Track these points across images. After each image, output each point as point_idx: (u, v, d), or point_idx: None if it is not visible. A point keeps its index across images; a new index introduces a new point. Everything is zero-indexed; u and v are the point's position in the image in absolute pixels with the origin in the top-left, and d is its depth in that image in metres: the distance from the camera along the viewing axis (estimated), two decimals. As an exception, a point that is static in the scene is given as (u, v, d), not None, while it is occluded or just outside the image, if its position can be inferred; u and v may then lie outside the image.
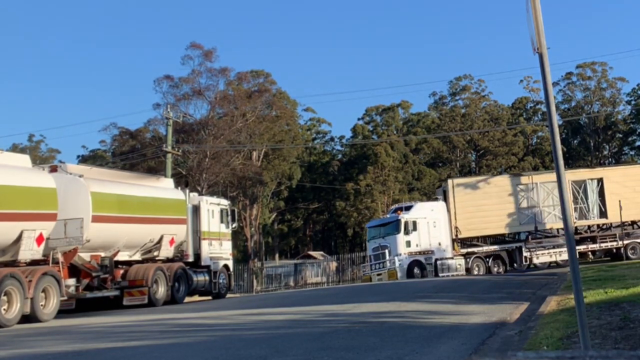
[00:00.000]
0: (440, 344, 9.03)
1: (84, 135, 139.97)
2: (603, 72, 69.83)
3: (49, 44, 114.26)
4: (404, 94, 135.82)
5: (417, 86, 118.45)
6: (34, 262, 18.24)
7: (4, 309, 16.63)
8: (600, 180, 40.00)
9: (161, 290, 23.02)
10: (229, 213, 28.87)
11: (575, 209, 39.05)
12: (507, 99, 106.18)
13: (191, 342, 10.92)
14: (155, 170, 43.52)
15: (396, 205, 40.07)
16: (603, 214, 39.64)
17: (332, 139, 77.37)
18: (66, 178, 20.12)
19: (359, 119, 75.81)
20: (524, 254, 38.35)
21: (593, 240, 39.68)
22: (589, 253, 39.90)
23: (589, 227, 40.21)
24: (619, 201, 44.89)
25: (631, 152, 73.84)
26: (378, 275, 35.94)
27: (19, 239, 17.52)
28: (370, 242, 37.38)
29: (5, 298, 16.69)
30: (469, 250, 37.71)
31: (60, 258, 19.13)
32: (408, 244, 35.93)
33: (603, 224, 40.26)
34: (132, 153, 48.11)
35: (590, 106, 70.62)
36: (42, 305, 17.77)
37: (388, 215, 38.17)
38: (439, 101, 74.23)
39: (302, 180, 65.29)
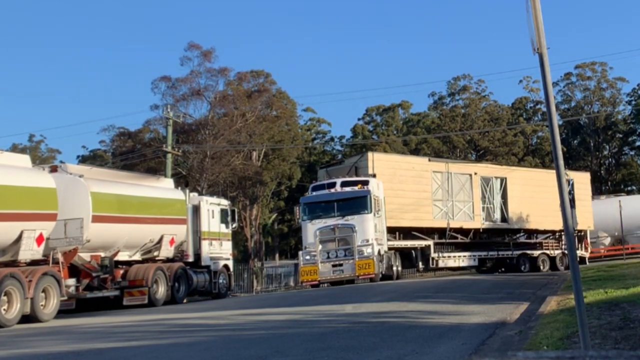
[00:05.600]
0: (440, 344, 9.03)
1: (84, 135, 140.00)
2: (603, 72, 69.79)
3: (49, 45, 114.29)
4: (404, 94, 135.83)
5: (417, 86, 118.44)
6: (34, 262, 18.24)
7: (4, 309, 16.63)
8: (503, 180, 36.26)
9: (161, 290, 23.03)
10: (229, 213, 28.88)
11: (483, 209, 35.16)
12: (507, 99, 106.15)
13: (191, 342, 10.92)
14: (155, 170, 43.48)
15: (343, 179, 29.25)
16: (504, 218, 35.90)
17: (332, 139, 77.27)
18: (66, 178, 20.13)
19: (359, 119, 75.80)
20: (432, 254, 32.36)
21: (491, 247, 35.38)
22: (487, 261, 35.51)
23: (486, 231, 35.66)
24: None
25: (631, 152, 73.83)
26: (336, 266, 27.42)
27: (19, 239, 17.52)
28: (315, 222, 27.86)
29: (5, 298, 16.69)
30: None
31: (60, 258, 19.13)
32: (375, 227, 28.00)
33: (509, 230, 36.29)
34: (132, 153, 48.08)
35: (590, 106, 70.59)
36: (42, 305, 17.76)
37: (339, 189, 28.34)
38: (438, 101, 74.21)
39: (302, 180, 65.18)
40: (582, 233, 38.98)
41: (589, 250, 40.59)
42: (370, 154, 31.76)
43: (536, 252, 36.50)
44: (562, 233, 37.71)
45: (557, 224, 36.97)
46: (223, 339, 10.92)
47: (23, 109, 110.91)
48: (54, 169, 20.68)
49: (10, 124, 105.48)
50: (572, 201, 37.46)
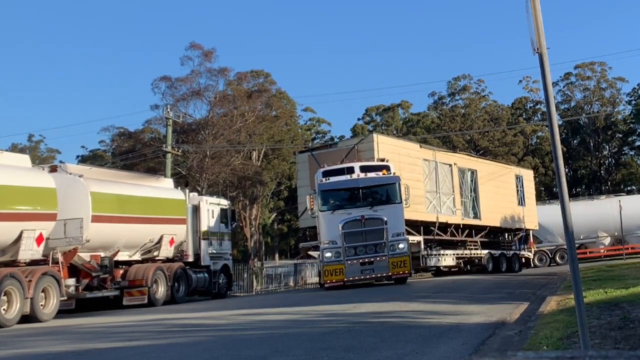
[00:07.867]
0: (440, 344, 9.03)
1: (83, 135, 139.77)
2: (602, 72, 69.81)
3: (49, 44, 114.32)
4: (404, 94, 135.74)
5: (417, 86, 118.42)
6: (33, 262, 18.25)
7: (4, 309, 16.64)
8: (474, 173, 33.70)
9: (161, 290, 23.04)
10: (229, 213, 28.89)
11: (462, 203, 32.50)
12: (507, 99, 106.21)
13: (191, 342, 10.91)
14: (155, 170, 43.49)
15: (361, 163, 25.34)
16: (477, 214, 33.48)
17: (332, 139, 77.24)
18: (66, 178, 20.14)
19: (359, 119, 75.83)
20: (422, 252, 28.94)
21: (464, 245, 32.79)
22: (462, 262, 32.74)
23: (458, 226, 32.43)
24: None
25: (631, 152, 73.83)
26: (365, 264, 23.23)
27: (19, 239, 17.53)
28: (337, 213, 23.72)
29: (5, 298, 16.71)
30: None
31: (60, 258, 19.14)
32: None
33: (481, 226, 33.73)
34: (132, 153, 48.05)
35: (590, 106, 70.59)
36: (42, 305, 17.77)
37: (361, 175, 24.47)
38: (438, 101, 74.22)
39: (302, 180, 65.17)
40: (527, 233, 38.17)
41: (533, 251, 39.84)
42: (375, 136, 28.68)
43: (497, 252, 34.76)
44: (517, 233, 37.44)
45: (514, 223, 36.47)
46: (223, 339, 10.92)
47: (23, 109, 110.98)
48: (53, 169, 20.70)
49: (10, 124, 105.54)
50: (522, 199, 37.23)
